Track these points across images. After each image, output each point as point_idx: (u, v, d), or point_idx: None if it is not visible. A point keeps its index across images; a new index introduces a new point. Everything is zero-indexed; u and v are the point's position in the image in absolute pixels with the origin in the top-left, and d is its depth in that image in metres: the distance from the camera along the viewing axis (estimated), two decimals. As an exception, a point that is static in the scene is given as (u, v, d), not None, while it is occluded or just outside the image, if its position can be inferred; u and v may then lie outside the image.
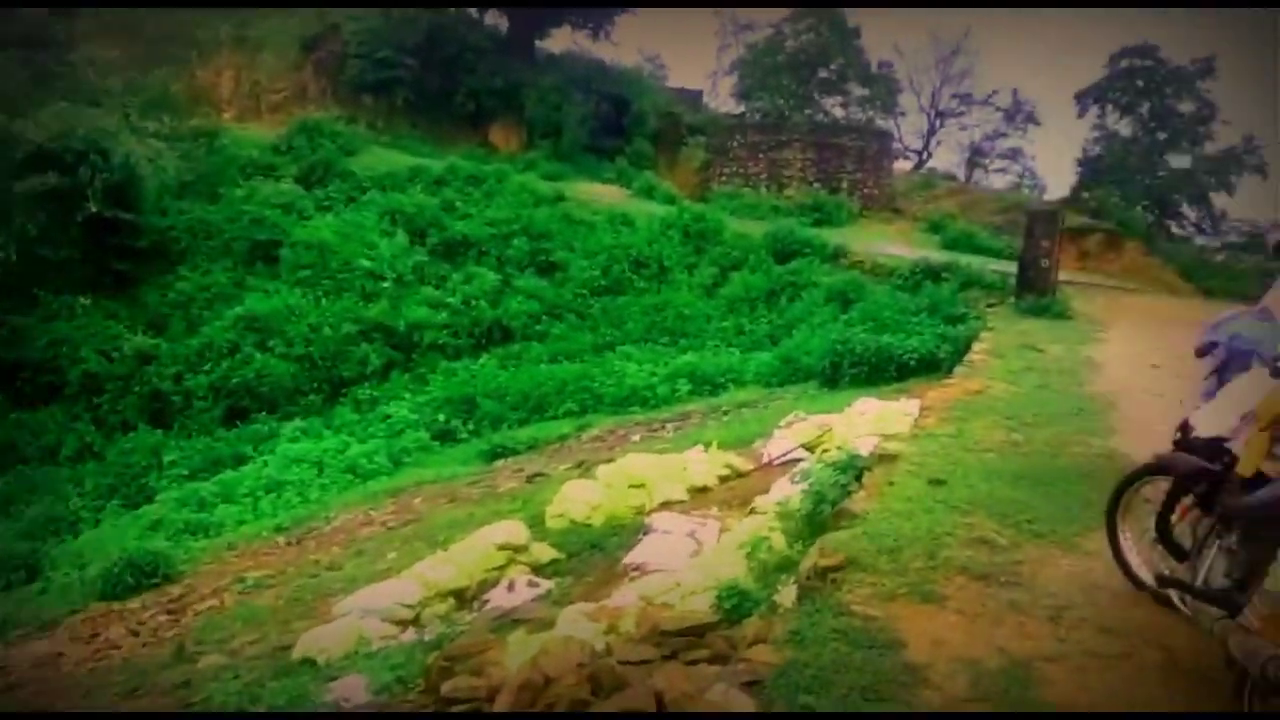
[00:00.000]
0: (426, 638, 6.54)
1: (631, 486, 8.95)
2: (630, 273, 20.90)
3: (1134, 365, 11.04)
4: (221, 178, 22.17)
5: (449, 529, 9.54)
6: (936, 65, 41.02)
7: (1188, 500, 3.99)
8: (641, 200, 26.05)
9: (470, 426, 15.56)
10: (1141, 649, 3.78)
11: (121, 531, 12.68)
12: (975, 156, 41.92)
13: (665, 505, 8.50)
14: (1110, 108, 35.08)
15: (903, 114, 39.91)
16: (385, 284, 19.55)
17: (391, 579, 7.82)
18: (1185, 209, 35.31)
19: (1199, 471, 3.87)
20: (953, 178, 38.91)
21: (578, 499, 8.83)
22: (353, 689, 5.67)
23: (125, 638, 8.57)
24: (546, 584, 7.18)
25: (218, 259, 19.97)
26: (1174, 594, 3.76)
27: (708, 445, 10.17)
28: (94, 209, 18.10)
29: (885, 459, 6.58)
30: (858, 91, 33.61)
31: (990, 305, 16.51)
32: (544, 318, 19.71)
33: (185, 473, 14.71)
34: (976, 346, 11.92)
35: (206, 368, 17.14)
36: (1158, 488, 4.22)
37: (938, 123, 42.40)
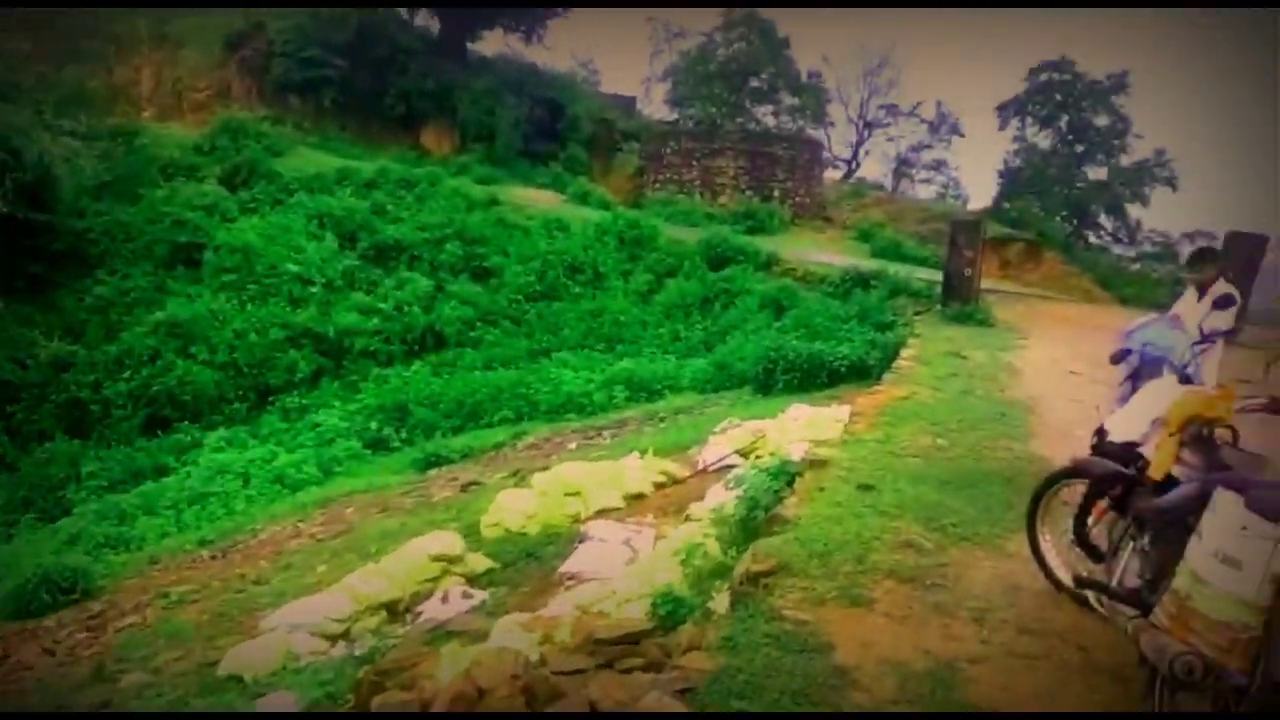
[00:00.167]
0: (357, 652, 6.43)
1: (567, 495, 8.93)
2: (566, 279, 20.86)
3: (1053, 371, 11.43)
4: (141, 178, 21.40)
5: (381, 540, 9.38)
6: (864, 76, 42.02)
7: (1103, 503, 4.15)
8: (576, 206, 26.05)
9: (403, 435, 15.33)
10: (1061, 649, 3.93)
11: (37, 546, 12.13)
12: (902, 167, 43.03)
13: (601, 513, 8.51)
14: (1030, 120, 36.40)
15: (832, 124, 40.78)
16: (314, 289, 19.13)
17: (321, 592, 7.65)
18: (1102, 219, 36.79)
19: (1113, 475, 4.03)
20: (881, 187, 39.86)
21: (513, 508, 8.78)
22: (280, 705, 5.55)
23: (40, 658, 8.21)
24: (481, 595, 7.12)
25: (138, 262, 19.28)
26: (1091, 594, 3.91)
27: (644, 452, 10.21)
28: (5, 210, 17.32)
29: (816, 464, 6.69)
30: (788, 101, 34.21)
31: (917, 313, 16.91)
32: (478, 324, 19.54)
33: (104, 484, 14.16)
34: (904, 353, 12.20)
35: (126, 375, 16.52)
36: (1075, 491, 4.39)
37: (866, 133, 43.40)
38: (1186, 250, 33.67)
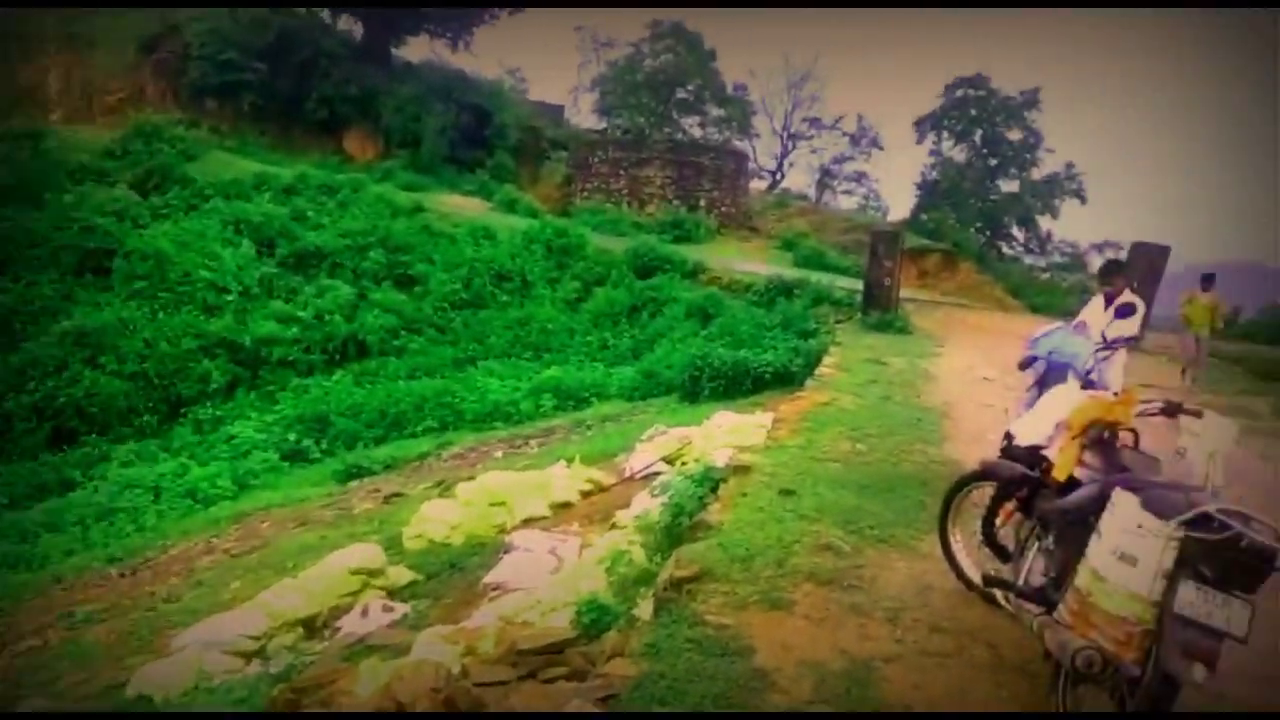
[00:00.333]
0: (272, 670, 6.23)
1: (493, 504, 8.84)
2: (492, 286, 20.72)
3: (967, 377, 11.80)
4: (47, 182, 20.48)
5: (299, 554, 9.13)
6: (788, 89, 42.87)
7: (1010, 504, 4.30)
8: (503, 213, 25.92)
9: (323, 446, 14.96)
10: (971, 646, 4.05)
11: (-68, 567, 11.46)
12: (825, 178, 43.98)
13: (527, 522, 8.45)
14: (946, 134, 37.61)
15: (757, 135, 41.48)
16: (229, 297, 18.58)
17: (235, 609, 7.41)
18: (1014, 230, 38.24)
19: (1019, 477, 4.18)
20: (804, 198, 40.66)
21: (437, 519, 8.65)
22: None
23: (-69, 685, 7.75)
24: (403, 608, 6.98)
25: (43, 269, 18.41)
26: (999, 593, 4.04)
27: (571, 461, 10.18)
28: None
29: (740, 470, 6.78)
30: (715, 112, 34.71)
31: (839, 321, 17.29)
32: (402, 332, 19.24)
33: (5, 501, 13.45)
34: (826, 360, 12.45)
35: (30, 386, 15.73)
36: (984, 493, 4.53)
37: (790, 145, 44.25)
38: (1094, 259, 35.33)
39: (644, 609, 4.82)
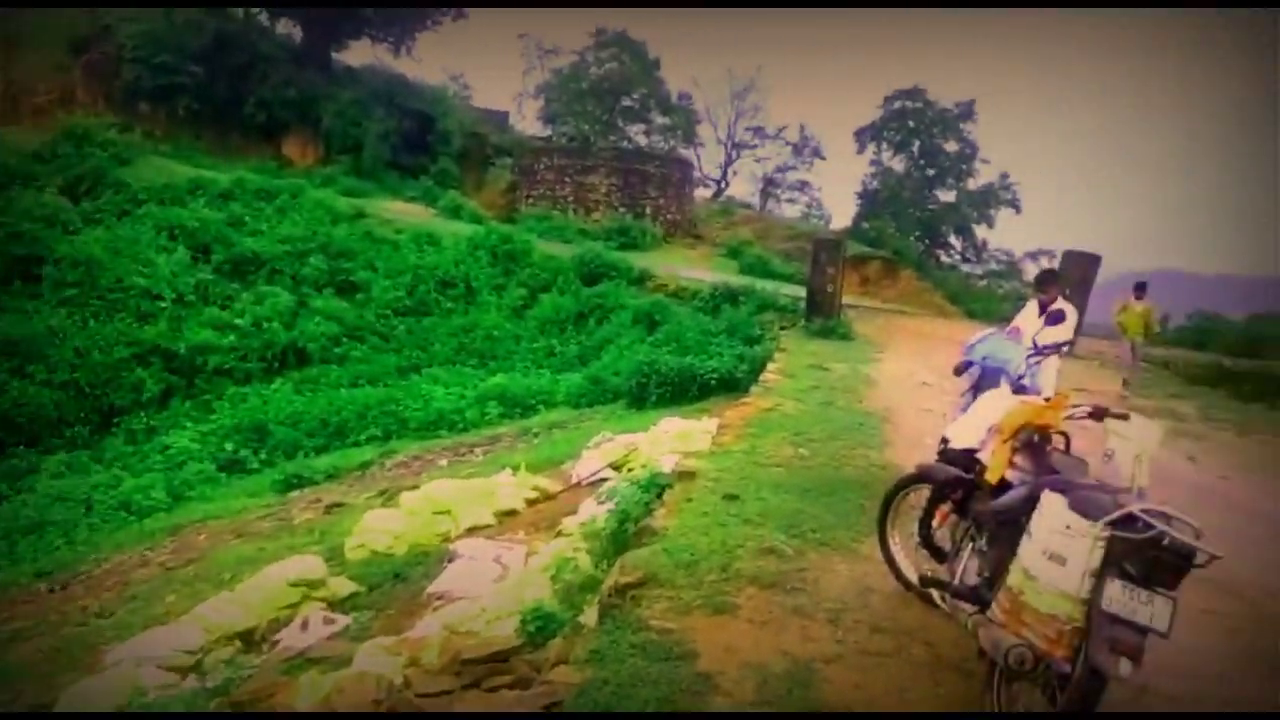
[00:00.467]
0: (210, 684, 6.09)
1: (437, 513, 8.75)
2: (436, 293, 20.53)
3: (907, 383, 12.04)
4: (-29, 187, 19.77)
5: (236, 567, 8.92)
6: (731, 99, 43.28)
7: (946, 506, 4.40)
8: (447, 219, 25.70)
9: (262, 456, 14.65)
10: (910, 646, 4.13)
11: None
12: (768, 187, 44.46)
13: (472, 531, 8.39)
14: (885, 145, 38.36)
15: (701, 144, 41.83)
16: (163, 304, 18.10)
17: (170, 623, 7.22)
18: (952, 239, 39.13)
19: (954, 480, 4.29)
20: (749, 206, 41.09)
21: (379, 528, 8.53)
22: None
23: None
24: (344, 619, 6.87)
25: (-33, 276, 17.75)
26: (935, 593, 4.13)
27: (516, 468, 10.14)
28: None
29: (685, 476, 6.81)
30: (660, 120, 34.93)
31: (783, 327, 17.49)
32: (344, 339, 18.95)
33: (-73, 516, 12.89)
34: (770, 366, 12.59)
35: (-46, 397, 15.16)
36: (922, 495, 4.63)
37: (734, 154, 44.71)
38: (1028, 267, 36.32)
39: (589, 616, 4.83)
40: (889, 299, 26.51)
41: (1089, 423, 3.98)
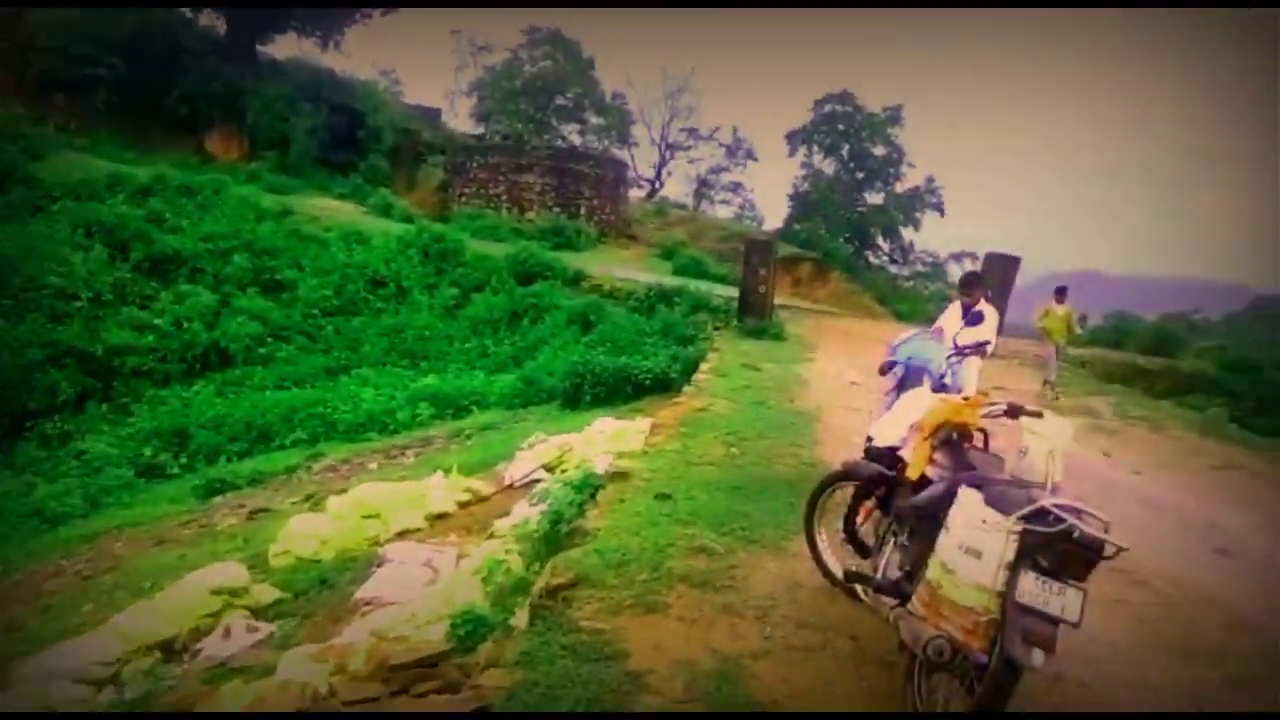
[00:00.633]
0: (127, 696, 5.88)
1: (365, 517, 8.59)
2: (366, 292, 20.16)
3: (836, 382, 12.26)
4: None
5: (156, 575, 8.63)
6: (665, 100, 43.48)
7: (870, 503, 4.51)
8: (377, 217, 25.28)
9: (182, 460, 14.18)
10: (835, 640, 4.22)
11: None
12: (702, 188, 44.83)
13: (402, 535, 8.26)
14: (816, 148, 38.99)
15: (636, 144, 41.97)
16: (79, 304, 17.39)
17: (85, 635, 6.94)
18: (880, 241, 39.97)
19: (877, 477, 4.39)
20: (683, 207, 41.37)
21: (305, 534, 8.33)
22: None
23: None
24: (268, 627, 6.70)
25: None
26: (859, 587, 4.22)
27: (448, 470, 10.01)
28: None
29: (619, 476, 6.83)
30: (594, 120, 34.92)
31: (716, 328, 17.64)
32: (269, 340, 18.43)
33: None
34: (703, 366, 12.70)
35: None
36: (847, 492, 4.72)
37: (668, 154, 44.96)
38: (953, 268, 37.34)
39: (520, 618, 4.80)
40: (820, 300, 26.98)
41: (1006, 420, 4.10)
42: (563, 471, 8.88)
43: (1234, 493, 8.71)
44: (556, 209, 29.56)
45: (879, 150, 38.53)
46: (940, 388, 5.49)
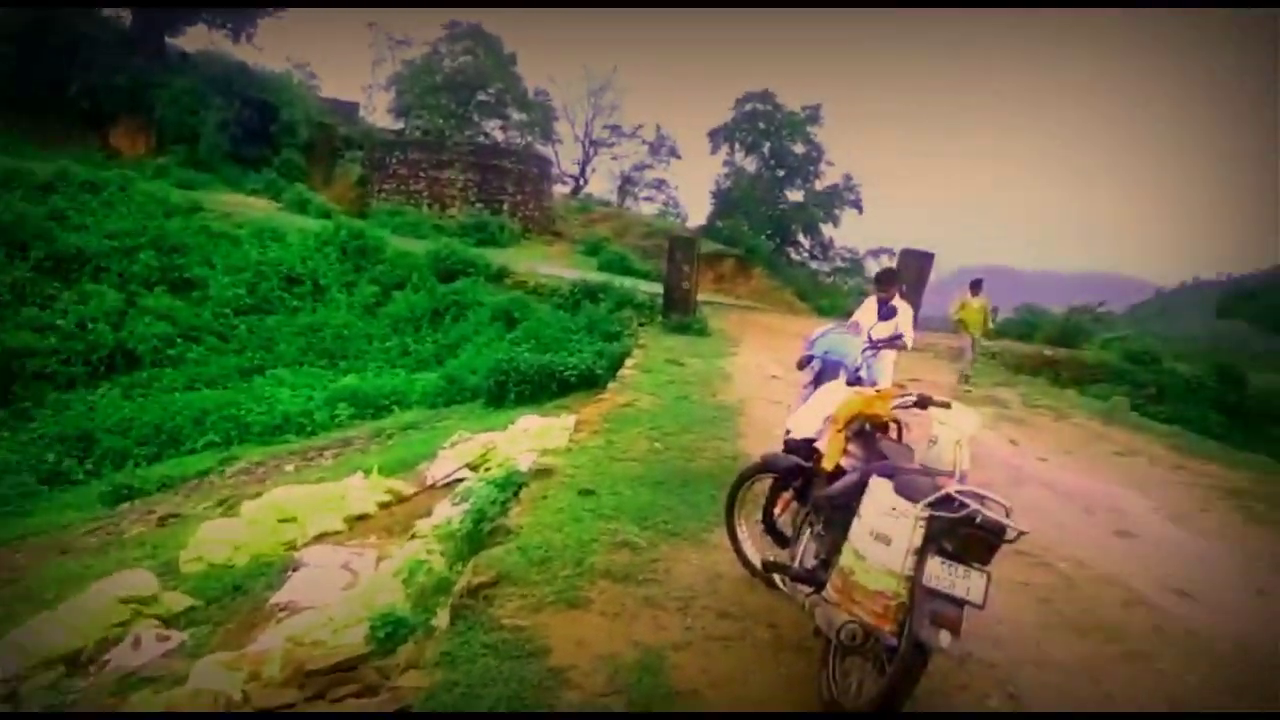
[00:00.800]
0: (34, 709, 5.63)
1: (281, 521, 8.39)
2: (281, 290, 19.60)
3: (758, 376, 12.44)
4: None
5: (60, 585, 8.27)
6: (588, 97, 43.41)
7: (788, 494, 4.60)
8: (293, 214, 24.64)
9: (87, 466, 13.62)
10: (754, 629, 4.29)
11: None
12: (626, 185, 44.92)
13: (320, 538, 8.08)
14: (738, 146, 39.42)
15: (559, 141, 41.80)
16: (-26, 304, 16.53)
17: (-20, 651, 6.61)
18: (801, 238, 40.61)
19: (794, 468, 4.48)
20: (607, 203, 41.39)
21: (217, 539, 8.09)
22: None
23: None
24: (179, 636, 6.49)
25: None
26: (777, 576, 4.30)
27: (368, 471, 9.84)
28: None
29: (542, 473, 6.81)
30: (516, 116, 34.61)
31: (641, 324, 17.72)
32: (178, 340, 17.77)
33: None
34: (628, 362, 12.73)
35: None
36: (767, 484, 4.81)
37: (592, 151, 44.90)
38: (870, 264, 38.21)
39: (441, 618, 4.76)
40: (742, 295, 27.31)
41: (916, 411, 4.23)
42: (486, 470, 8.82)
43: (1133, 477, 9.13)
44: (479, 205, 29.25)
45: (799, 148, 39.14)
46: (856, 381, 5.61)
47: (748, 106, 38.68)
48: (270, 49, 57.16)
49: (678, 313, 17.33)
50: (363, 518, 8.61)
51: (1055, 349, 22.55)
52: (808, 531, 4.19)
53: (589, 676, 3.64)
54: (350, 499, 8.81)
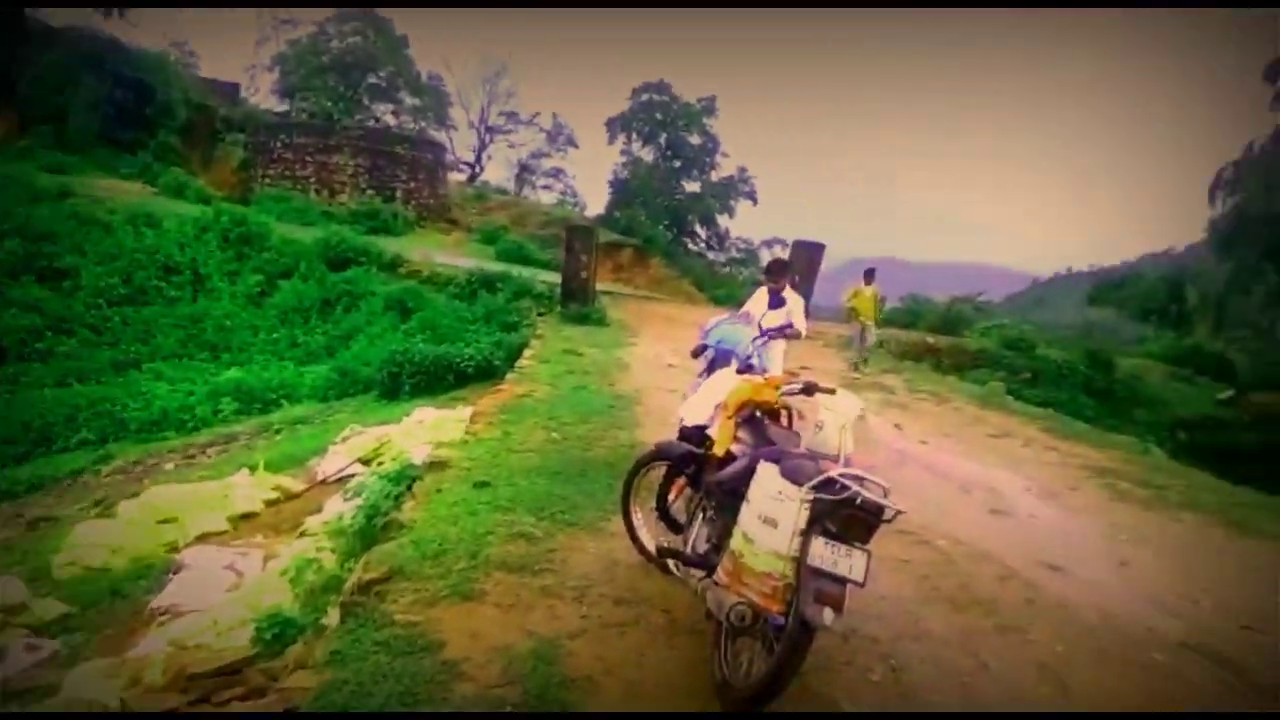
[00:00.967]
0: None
1: (161, 522, 8.04)
2: (158, 280, 18.63)
3: (656, 365, 12.57)
4: None
5: (-87, 599, 7.71)
6: (483, 83, 42.79)
7: (681, 480, 4.69)
8: (170, 199, 23.48)
9: (-53, 468, 12.69)
10: (650, 614, 4.36)
11: None
12: (523, 173, 44.56)
13: (204, 538, 7.78)
14: (635, 136, 39.58)
15: (454, 127, 41.10)
16: None
17: None
18: (698, 228, 41.11)
19: (687, 455, 4.57)
20: (504, 192, 40.93)
21: (93, 542, 7.70)
22: None
23: None
24: (52, 644, 6.15)
25: None
26: (671, 562, 4.38)
27: (254, 468, 9.52)
28: None
29: (437, 466, 6.73)
30: (409, 101, 33.85)
31: (539, 314, 17.65)
32: (48, 333, 16.69)
33: None
34: (526, 353, 12.69)
35: None
36: (661, 472, 4.88)
37: (488, 138, 44.35)
38: (764, 254, 39.01)
39: (332, 617, 4.66)
40: (641, 285, 27.49)
41: (804, 397, 4.36)
42: (379, 464, 8.65)
43: (1008, 458, 9.64)
44: (370, 191, 28.48)
45: (695, 139, 39.59)
46: (747, 369, 5.74)
47: (644, 97, 38.87)
48: (145, 25, 53.89)
49: (576, 302, 17.33)
50: (248, 516, 8.33)
51: (938, 337, 23.58)
52: (700, 517, 4.28)
53: (483, 668, 3.64)
54: (235, 497, 8.52)
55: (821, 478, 3.39)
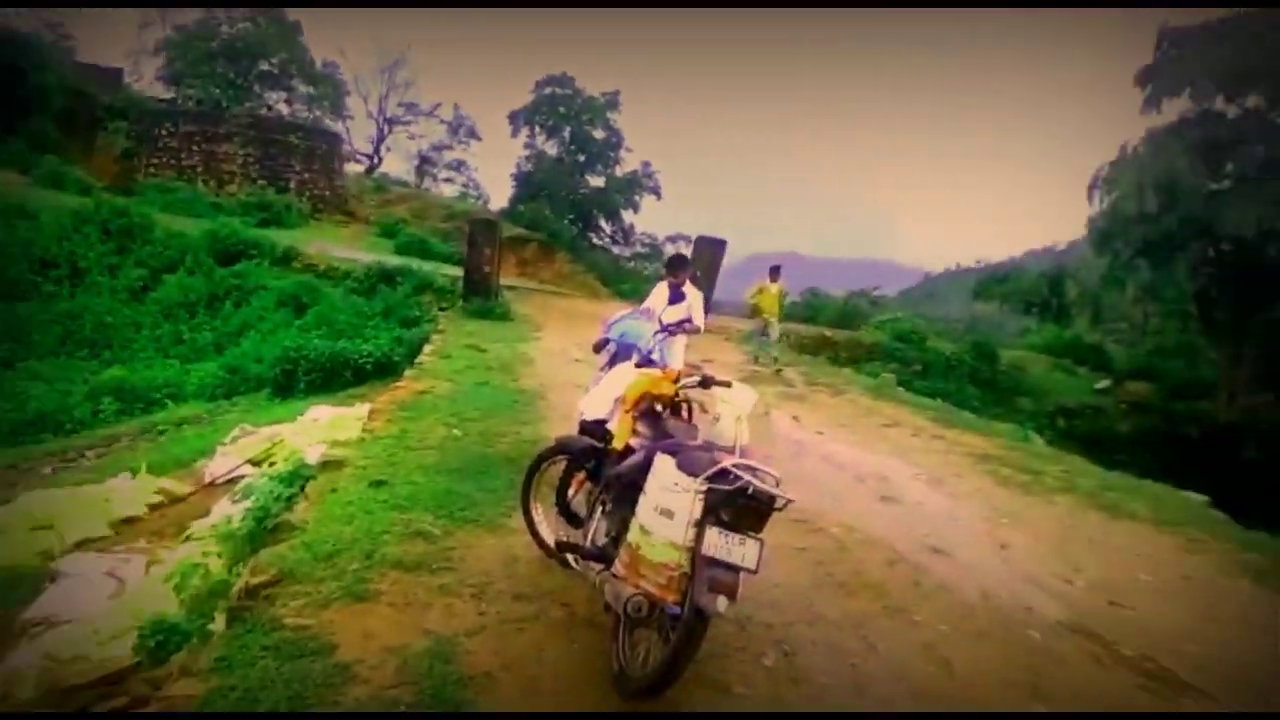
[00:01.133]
0: None
1: (35, 529, 7.55)
2: (33, 275, 17.56)
3: (561, 360, 12.55)
4: None
5: None
6: (381, 73, 41.76)
7: (581, 474, 4.70)
8: (45, 190, 22.10)
9: None
10: (549, 609, 4.37)
11: None
12: (424, 165, 43.71)
13: (81, 545, 7.37)
14: (539, 129, 39.30)
15: (351, 117, 40.03)
16: None
17: None
18: (603, 223, 41.14)
19: (587, 449, 4.59)
20: (404, 184, 40.07)
21: (-43, 553, 7.20)
22: None
23: None
24: (-93, 666, 5.74)
25: None
26: (570, 556, 4.40)
27: (136, 470, 9.07)
28: None
29: (331, 465, 6.58)
30: (303, 89, 32.79)
31: (441, 308, 17.36)
32: (-94, 332, 15.59)
33: None
34: (427, 348, 12.48)
35: None
36: (562, 467, 4.89)
37: (386, 129, 43.32)
38: (669, 249, 39.33)
39: (219, 622, 4.50)
40: (546, 279, 27.36)
41: (701, 390, 4.43)
42: (271, 465, 8.38)
43: (899, 447, 10.00)
44: (261, 182, 27.46)
45: (599, 134, 39.56)
46: (648, 363, 5.79)
47: (547, 90, 38.63)
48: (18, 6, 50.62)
49: (479, 297, 17.13)
50: (131, 521, 7.92)
51: (835, 330, 24.27)
52: (599, 511, 4.30)
53: (376, 670, 3.58)
54: (116, 501, 8.08)
55: (715, 469, 3.46)
